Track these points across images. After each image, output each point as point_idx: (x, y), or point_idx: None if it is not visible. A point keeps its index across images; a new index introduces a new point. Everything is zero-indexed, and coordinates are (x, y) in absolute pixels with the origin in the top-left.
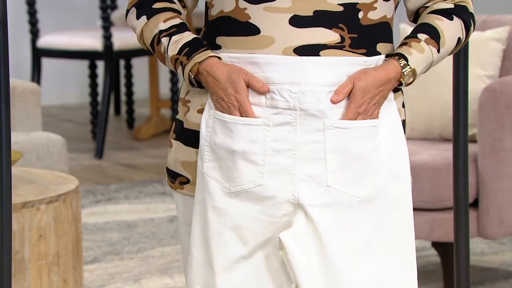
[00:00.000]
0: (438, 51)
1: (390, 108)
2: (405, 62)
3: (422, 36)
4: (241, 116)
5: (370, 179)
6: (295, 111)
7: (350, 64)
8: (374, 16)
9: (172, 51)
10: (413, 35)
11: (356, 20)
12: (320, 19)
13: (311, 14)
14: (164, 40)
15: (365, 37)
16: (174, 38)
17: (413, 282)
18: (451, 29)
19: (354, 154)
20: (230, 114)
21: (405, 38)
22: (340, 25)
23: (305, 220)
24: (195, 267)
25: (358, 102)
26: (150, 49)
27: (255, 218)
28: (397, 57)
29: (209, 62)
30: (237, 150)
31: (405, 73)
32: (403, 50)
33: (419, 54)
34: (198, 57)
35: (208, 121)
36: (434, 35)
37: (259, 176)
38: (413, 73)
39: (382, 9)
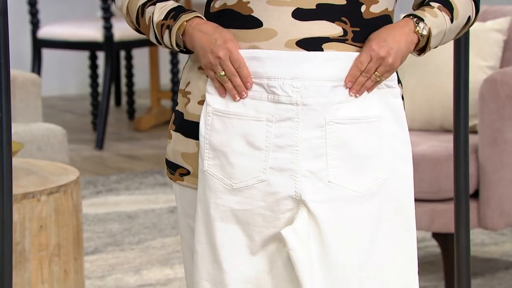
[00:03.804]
0: (451, 21)
1: (394, 102)
2: (420, 20)
3: (435, 4)
4: (235, 71)
5: (371, 175)
6: (297, 106)
7: (353, 58)
8: (376, 9)
9: (158, 17)
10: (425, 3)
11: (359, 14)
12: (323, 12)
13: (314, 7)
14: (149, 9)
15: (368, 30)
16: (158, 5)
17: (414, 277)
18: (463, 4)
19: (355, 150)
20: (220, 77)
21: (417, 6)
22: (343, 18)
23: (308, 216)
24: (201, 264)
25: (373, 49)
26: (136, 25)
27: (259, 214)
28: (410, 16)
29: (196, 20)
30: (240, 146)
31: (419, 26)
32: (417, 13)
33: (433, 18)
34: (186, 16)
35: (207, 119)
36: (447, 5)
37: (262, 172)
38: (429, 32)
39: (384, 3)
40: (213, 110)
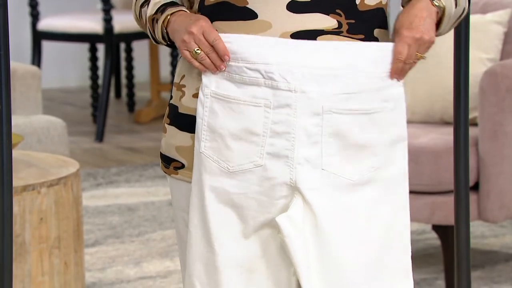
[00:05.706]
0: (455, 5)
1: (397, 91)
2: None
3: None
4: (210, 46)
5: (364, 163)
6: (295, 93)
7: (356, 47)
8: (371, 1)
9: (150, 12)
10: None
11: (354, 6)
12: (318, 4)
13: (309, 0)
14: (145, 8)
15: (362, 22)
16: (152, 1)
17: (407, 264)
18: None
19: (351, 140)
20: (196, 55)
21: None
22: (338, 10)
23: (303, 203)
24: (194, 246)
25: (407, 36)
26: (143, 28)
27: (254, 198)
28: None
29: (180, 12)
30: (237, 130)
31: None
32: None
33: None
34: (171, 10)
35: (205, 101)
36: None
37: (259, 157)
38: (444, 7)
39: None
40: (212, 93)
